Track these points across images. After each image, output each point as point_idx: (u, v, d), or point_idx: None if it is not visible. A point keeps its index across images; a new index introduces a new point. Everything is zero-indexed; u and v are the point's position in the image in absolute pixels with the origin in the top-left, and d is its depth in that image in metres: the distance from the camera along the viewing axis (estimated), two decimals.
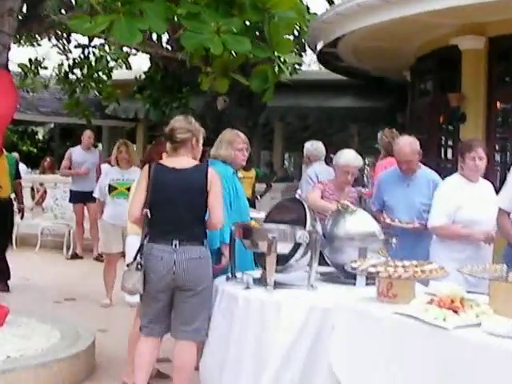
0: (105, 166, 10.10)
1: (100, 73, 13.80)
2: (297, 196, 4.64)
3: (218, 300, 4.45)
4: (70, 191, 11.31)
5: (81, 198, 10.91)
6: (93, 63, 13.38)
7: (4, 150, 8.63)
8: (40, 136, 26.88)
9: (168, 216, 4.46)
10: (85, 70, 13.42)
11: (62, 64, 14.31)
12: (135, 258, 4.48)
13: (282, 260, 4.44)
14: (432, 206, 5.44)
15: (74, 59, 13.01)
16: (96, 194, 8.14)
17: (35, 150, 25.94)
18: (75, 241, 11.66)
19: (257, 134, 13.75)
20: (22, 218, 9.40)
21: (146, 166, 4.65)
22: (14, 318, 5.33)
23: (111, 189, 7.74)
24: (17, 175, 9.07)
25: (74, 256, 11.39)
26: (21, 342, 4.98)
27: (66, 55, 14.31)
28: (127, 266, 4.54)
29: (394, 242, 4.75)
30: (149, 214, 4.46)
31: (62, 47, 14.40)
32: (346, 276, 4.57)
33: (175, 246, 4.39)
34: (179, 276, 4.39)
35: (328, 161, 8.25)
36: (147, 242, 4.49)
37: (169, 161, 4.63)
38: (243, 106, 12.81)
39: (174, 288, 4.47)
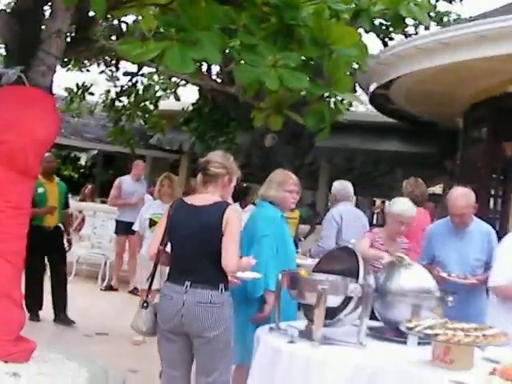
0: (147, 198, 9.91)
1: (147, 102, 13.81)
2: (349, 245, 4.34)
3: (260, 352, 4.14)
4: (117, 221, 11.01)
5: (126, 229, 10.63)
6: (140, 92, 13.32)
7: (56, 177, 8.46)
8: (82, 162, 26.95)
9: (183, 255, 4.26)
10: (131, 98, 13.35)
11: (109, 91, 14.37)
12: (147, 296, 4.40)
13: (330, 313, 4.13)
14: (494, 263, 5.08)
15: (121, 86, 12.92)
16: (136, 227, 7.90)
17: (76, 176, 26.00)
18: (111, 272, 11.43)
19: (303, 173, 13.46)
20: (69, 250, 8.80)
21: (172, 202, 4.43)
22: (41, 353, 5.04)
23: (152, 223, 7.50)
24: (66, 204, 8.69)
25: (109, 287, 11.14)
26: (45, 380, 4.70)
27: (114, 82, 14.26)
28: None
29: (451, 299, 4.42)
30: (162, 251, 4.36)
31: (110, 74, 14.36)
32: (396, 333, 4.25)
33: (186, 287, 4.18)
34: (187, 320, 4.18)
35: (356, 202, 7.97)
36: (166, 280, 4.34)
37: (191, 197, 4.43)
38: (291, 144, 12.55)
39: (186, 333, 4.24)
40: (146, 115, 14.07)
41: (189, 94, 17.33)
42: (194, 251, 4.19)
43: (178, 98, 12.04)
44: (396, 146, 16.51)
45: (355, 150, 16.61)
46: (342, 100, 5.45)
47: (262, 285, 4.83)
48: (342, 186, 7.91)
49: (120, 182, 11.25)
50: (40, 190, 7.88)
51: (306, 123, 5.48)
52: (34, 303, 8.03)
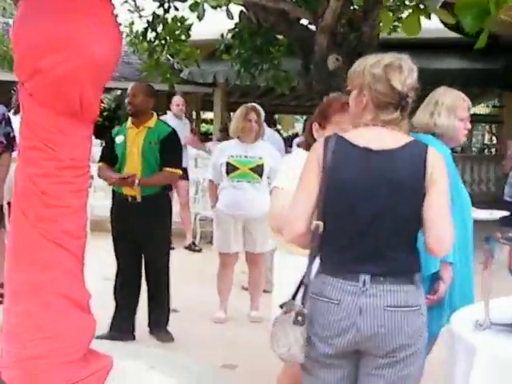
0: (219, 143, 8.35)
1: (178, 31, 12.27)
2: None
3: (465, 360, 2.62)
4: None
5: None
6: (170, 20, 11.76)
7: None
8: (105, 104, 25.27)
9: (356, 233, 2.62)
10: (159, 29, 11.74)
11: (132, 23, 12.91)
12: (292, 302, 2.64)
13: None
14: None
15: (153, 14, 11.22)
16: (209, 175, 6.29)
17: (100, 119, 24.37)
18: None
19: None
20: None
21: (318, 144, 2.74)
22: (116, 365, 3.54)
23: (230, 168, 5.90)
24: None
25: None
26: None
27: (139, 13, 12.56)
28: (281, 315, 2.66)
29: None
30: (320, 228, 2.62)
31: (133, 3, 12.65)
32: None
33: (364, 282, 2.59)
34: (365, 334, 2.59)
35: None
36: (316, 274, 2.67)
37: (359, 134, 2.71)
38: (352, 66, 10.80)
39: (357, 351, 2.66)
40: (178, 46, 12.46)
41: (221, 20, 15.73)
42: (377, 225, 2.59)
43: (231, 16, 10.23)
44: (457, 63, 15.12)
45: None
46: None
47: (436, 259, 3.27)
48: None
49: None
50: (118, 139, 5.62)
51: (463, 23, 3.85)
52: (122, 317, 5.55)
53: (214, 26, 15.09)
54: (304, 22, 11.53)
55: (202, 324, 6.06)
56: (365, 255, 2.58)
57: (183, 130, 9.52)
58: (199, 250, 9.23)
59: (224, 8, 10.18)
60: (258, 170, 5.92)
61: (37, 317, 3.24)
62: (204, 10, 8.09)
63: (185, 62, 13.71)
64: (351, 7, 12.04)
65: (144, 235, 5.35)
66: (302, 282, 2.62)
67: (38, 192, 3.16)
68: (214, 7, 8.91)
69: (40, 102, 3.12)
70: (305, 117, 27.33)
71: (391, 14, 11.56)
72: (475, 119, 27.05)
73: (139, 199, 5.29)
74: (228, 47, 12.75)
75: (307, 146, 3.37)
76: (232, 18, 9.09)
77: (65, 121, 3.14)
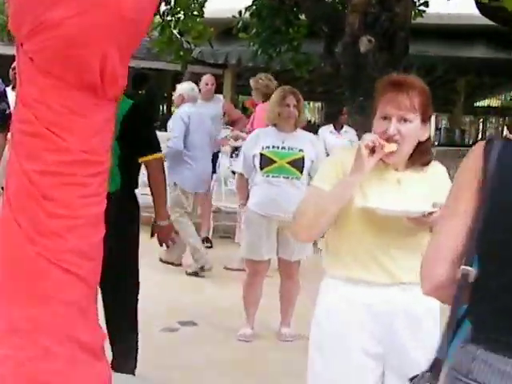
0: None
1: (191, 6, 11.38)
2: None
3: None
4: None
5: None
6: None
7: None
8: None
9: None
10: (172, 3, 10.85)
11: None
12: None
13: None
14: None
15: None
16: (238, 168, 5.37)
17: None
18: None
19: None
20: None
21: (478, 149, 1.79)
22: None
23: (264, 161, 4.99)
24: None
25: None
26: None
27: None
28: None
29: None
30: (472, 277, 1.69)
31: None
32: None
33: None
34: None
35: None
36: (462, 344, 1.75)
37: None
38: (383, 49, 9.89)
39: None
40: (189, 23, 11.57)
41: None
42: None
43: None
44: (483, 52, 14.12)
45: (436, 57, 14.08)
46: None
47: None
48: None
49: None
50: None
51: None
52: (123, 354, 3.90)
53: (226, 3, 14.24)
54: None
55: (225, 341, 5.18)
56: None
57: (216, 111, 8.63)
58: (210, 247, 8.35)
59: None
60: (298, 164, 5.01)
61: (32, 365, 2.36)
62: None
63: (196, 41, 12.78)
64: None
65: None
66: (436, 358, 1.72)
67: (37, 195, 2.26)
68: None
69: (44, 70, 2.21)
70: (318, 103, 26.43)
71: None
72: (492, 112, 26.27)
73: None
74: (245, 26, 11.83)
75: None
76: None
77: (79, 97, 2.23)
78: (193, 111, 7.18)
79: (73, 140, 2.23)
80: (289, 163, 4.98)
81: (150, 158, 3.79)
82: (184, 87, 7.50)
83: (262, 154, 5.01)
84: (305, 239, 2.90)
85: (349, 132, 8.82)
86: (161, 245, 4.15)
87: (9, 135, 5.37)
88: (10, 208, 2.30)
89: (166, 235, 4.03)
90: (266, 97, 6.92)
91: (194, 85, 7.81)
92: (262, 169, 5.02)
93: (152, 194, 3.90)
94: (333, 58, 10.96)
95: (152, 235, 4.01)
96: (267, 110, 5.30)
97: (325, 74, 13.10)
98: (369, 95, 10.17)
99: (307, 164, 5.02)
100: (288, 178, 5.00)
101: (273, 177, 5.01)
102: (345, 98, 10.39)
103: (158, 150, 3.88)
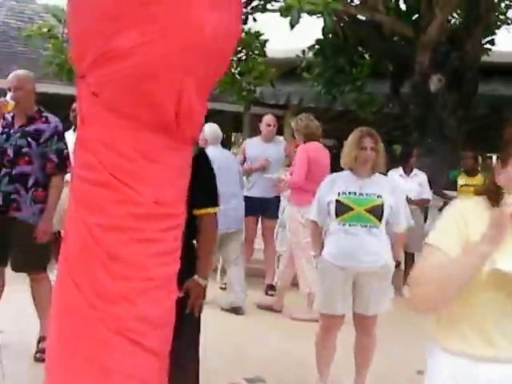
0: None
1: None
2: None
3: None
4: (245, 198, 8.06)
5: (257, 207, 7.84)
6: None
7: None
8: None
9: None
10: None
11: None
12: None
13: None
14: None
15: None
16: (312, 216, 4.98)
17: None
18: None
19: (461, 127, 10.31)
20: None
21: None
22: None
23: (341, 209, 4.59)
24: None
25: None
26: None
27: None
28: None
29: None
30: None
31: None
32: None
33: None
34: None
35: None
36: None
37: None
38: (453, 89, 9.54)
39: None
40: (251, 64, 11.53)
41: (296, 38, 14.73)
42: None
43: (329, 22, 8.94)
44: None
45: (502, 97, 13.60)
46: None
47: None
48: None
49: (244, 146, 8.45)
50: None
51: None
52: None
53: (287, 43, 14.05)
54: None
55: None
56: None
57: (277, 153, 8.30)
58: (272, 295, 7.96)
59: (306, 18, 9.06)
60: (376, 212, 4.60)
61: None
62: (299, 15, 6.86)
63: (258, 81, 12.65)
64: (451, 22, 10.81)
65: None
66: None
67: (101, 254, 1.92)
68: (309, 13, 7.68)
69: (111, 106, 1.89)
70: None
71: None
72: None
73: None
74: (309, 66, 11.57)
75: (488, 192, 2.24)
76: (329, 24, 7.82)
77: (151, 139, 1.90)
78: (216, 154, 6.92)
79: (144, 190, 1.89)
80: (367, 210, 4.59)
81: (208, 211, 3.40)
82: (206, 130, 7.27)
83: (337, 201, 4.62)
84: (426, 311, 2.30)
85: (418, 175, 8.42)
86: (191, 307, 3.53)
87: (67, 176, 5.16)
88: (68, 267, 1.97)
89: (197, 297, 3.47)
90: (307, 137, 6.98)
91: (216, 126, 7.54)
92: (337, 216, 4.63)
93: (199, 249, 3.44)
94: (399, 97, 10.64)
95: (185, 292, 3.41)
96: (343, 152, 4.94)
97: (388, 115, 12.75)
98: (437, 136, 9.84)
99: (386, 211, 4.63)
100: (366, 226, 4.60)
101: (350, 225, 4.61)
102: (412, 140, 10.05)
103: (217, 203, 3.51)
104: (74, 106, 7.42)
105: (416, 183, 8.34)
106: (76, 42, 1.96)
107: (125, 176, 1.89)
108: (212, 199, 3.44)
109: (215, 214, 3.44)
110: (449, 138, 9.72)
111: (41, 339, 5.01)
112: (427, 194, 8.44)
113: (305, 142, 7.12)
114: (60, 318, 1.99)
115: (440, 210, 9.24)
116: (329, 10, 6.67)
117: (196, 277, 3.36)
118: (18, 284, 5.23)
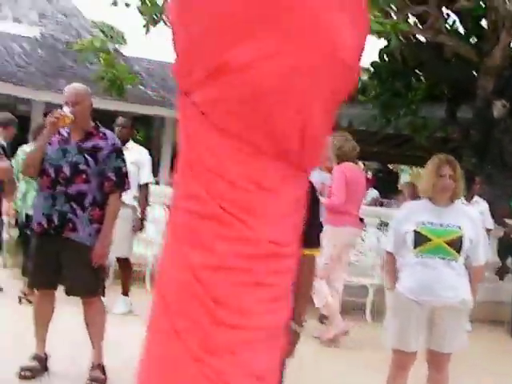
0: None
1: None
2: None
3: None
4: None
5: None
6: None
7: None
8: None
9: None
10: None
11: None
12: None
13: None
14: None
15: None
16: (389, 247, 4.69)
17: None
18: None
19: None
20: None
21: None
22: None
23: (419, 239, 4.31)
24: None
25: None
26: None
27: None
28: None
29: None
30: None
31: None
32: None
33: None
34: None
35: None
36: None
37: None
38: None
39: None
40: None
41: None
42: None
43: (394, 44, 8.69)
44: None
45: None
46: None
47: None
48: None
49: None
50: None
51: None
52: None
53: None
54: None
55: None
56: None
57: (320, 177, 8.00)
58: (323, 322, 7.60)
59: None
60: (456, 244, 4.32)
61: None
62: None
63: None
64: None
65: None
66: None
67: (205, 298, 1.66)
68: (377, 33, 7.40)
69: (224, 128, 1.63)
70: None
71: None
72: None
73: None
74: (364, 88, 11.30)
75: None
76: (395, 46, 7.55)
77: (268, 167, 1.63)
78: None
79: (258, 225, 1.62)
80: (446, 242, 4.29)
81: (312, 252, 3.06)
82: None
83: (416, 232, 4.34)
84: None
85: (480, 203, 8.11)
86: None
87: (124, 195, 4.92)
88: (167, 312, 1.70)
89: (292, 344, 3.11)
90: (340, 158, 6.87)
91: None
92: (415, 248, 4.34)
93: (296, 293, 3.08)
94: (457, 122, 10.31)
95: None
96: (421, 180, 4.66)
97: (441, 140, 12.40)
98: (497, 163, 9.50)
99: (466, 244, 4.34)
100: (444, 259, 4.32)
101: (428, 257, 4.33)
102: (471, 166, 9.72)
103: (319, 244, 3.17)
104: (120, 120, 7.22)
105: (477, 211, 8.01)
106: (182, 53, 1.70)
107: (236, 209, 1.62)
108: (319, 238, 3.09)
109: (315, 257, 3.09)
110: (509, 165, 9.38)
111: (93, 366, 4.78)
112: (489, 223, 8.09)
113: (338, 163, 6.89)
114: (154, 369, 1.73)
115: (500, 239, 8.87)
116: (396, 30, 6.43)
117: (293, 324, 2.94)
118: (70, 305, 5.00)
